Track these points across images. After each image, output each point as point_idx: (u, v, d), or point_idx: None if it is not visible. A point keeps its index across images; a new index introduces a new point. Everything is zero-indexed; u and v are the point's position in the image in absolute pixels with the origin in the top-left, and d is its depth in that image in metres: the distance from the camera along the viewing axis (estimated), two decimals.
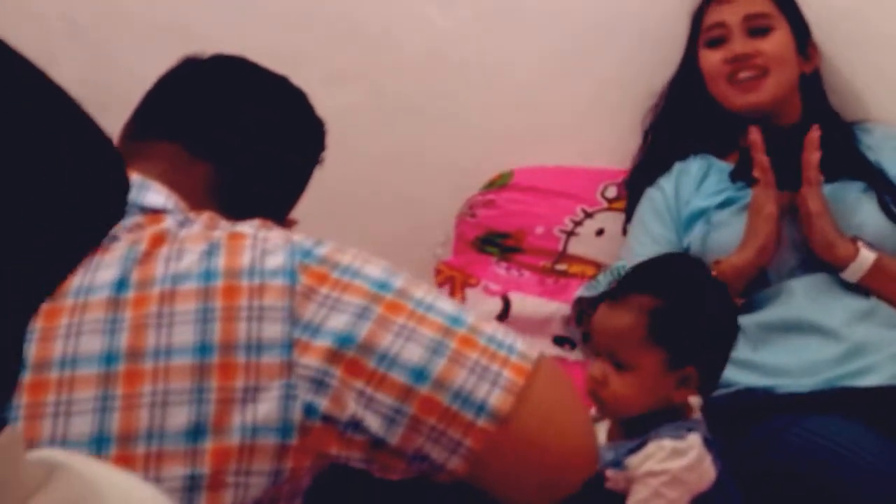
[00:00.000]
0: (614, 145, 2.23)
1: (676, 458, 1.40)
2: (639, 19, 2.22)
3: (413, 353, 0.98)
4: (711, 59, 2.04)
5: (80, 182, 0.55)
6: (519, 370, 1.00)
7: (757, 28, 2.02)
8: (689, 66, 2.10)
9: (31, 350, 0.96)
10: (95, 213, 0.57)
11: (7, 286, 0.52)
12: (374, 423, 0.97)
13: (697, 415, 1.50)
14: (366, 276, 1.01)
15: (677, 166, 2.07)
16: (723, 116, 2.05)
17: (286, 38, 2.21)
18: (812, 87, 2.07)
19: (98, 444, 0.94)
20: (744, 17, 2.02)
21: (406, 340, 0.98)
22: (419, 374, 0.97)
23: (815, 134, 1.91)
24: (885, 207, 1.95)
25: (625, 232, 2.15)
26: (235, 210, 1.13)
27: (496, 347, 1.01)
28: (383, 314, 0.99)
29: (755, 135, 1.92)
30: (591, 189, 2.23)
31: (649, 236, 2.02)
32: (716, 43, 2.04)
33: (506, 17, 2.27)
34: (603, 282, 1.95)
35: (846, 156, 2.02)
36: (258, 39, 2.11)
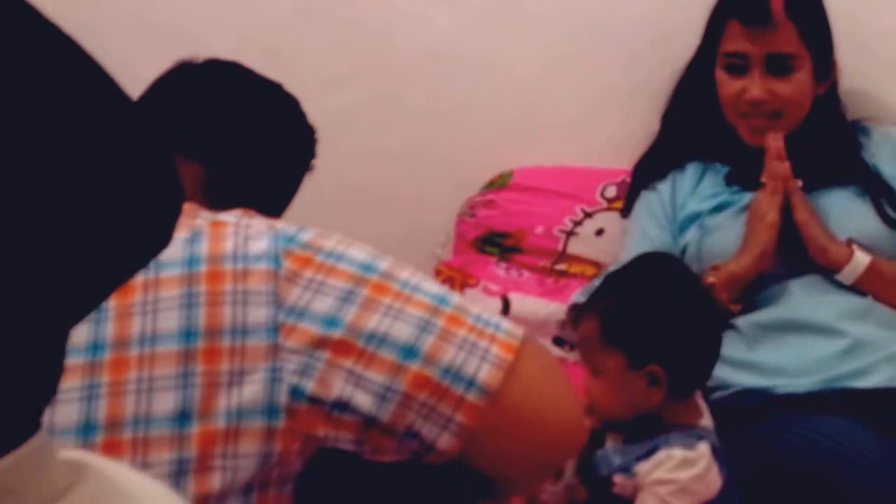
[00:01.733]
0: (614, 145, 2.23)
1: (686, 468, 1.40)
2: (639, 18, 2.22)
3: (402, 332, 0.99)
4: (728, 87, 1.97)
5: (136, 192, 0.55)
6: (507, 346, 1.02)
7: (779, 67, 1.93)
8: (698, 74, 2.05)
9: None
10: (147, 227, 0.57)
11: (64, 290, 0.53)
12: (364, 401, 0.98)
13: (707, 421, 1.50)
14: (350, 258, 1.02)
15: (673, 171, 2.06)
16: (722, 122, 2.02)
17: (286, 38, 2.21)
18: (825, 96, 2.01)
19: (85, 432, 0.94)
20: (767, 54, 1.92)
21: (394, 319, 0.99)
22: (409, 351, 0.99)
23: (775, 143, 1.89)
24: (880, 211, 1.94)
25: (626, 214, 2.13)
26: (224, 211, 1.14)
27: (483, 325, 1.02)
28: (369, 296, 1.00)
29: (774, 142, 1.89)
30: (590, 189, 2.22)
31: (645, 238, 2.01)
32: (734, 70, 1.96)
33: (505, 16, 2.27)
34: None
35: (844, 158, 2.00)
36: (258, 39, 2.12)
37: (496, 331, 1.03)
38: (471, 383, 1.00)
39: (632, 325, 1.44)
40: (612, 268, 1.96)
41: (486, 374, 1.00)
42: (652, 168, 2.09)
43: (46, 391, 0.55)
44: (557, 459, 1.14)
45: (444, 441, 1.01)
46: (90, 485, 0.57)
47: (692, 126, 2.09)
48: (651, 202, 2.05)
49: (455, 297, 1.04)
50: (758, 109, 1.94)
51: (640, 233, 2.04)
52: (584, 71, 2.26)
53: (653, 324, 1.44)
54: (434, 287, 1.04)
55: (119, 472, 0.61)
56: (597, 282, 1.97)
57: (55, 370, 0.55)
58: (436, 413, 0.99)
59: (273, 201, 1.29)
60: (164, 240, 0.58)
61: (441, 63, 2.28)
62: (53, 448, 0.56)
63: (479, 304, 1.07)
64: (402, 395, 0.98)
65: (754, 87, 1.93)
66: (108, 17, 2.22)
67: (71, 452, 0.59)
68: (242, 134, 1.25)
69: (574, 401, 1.09)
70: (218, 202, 1.16)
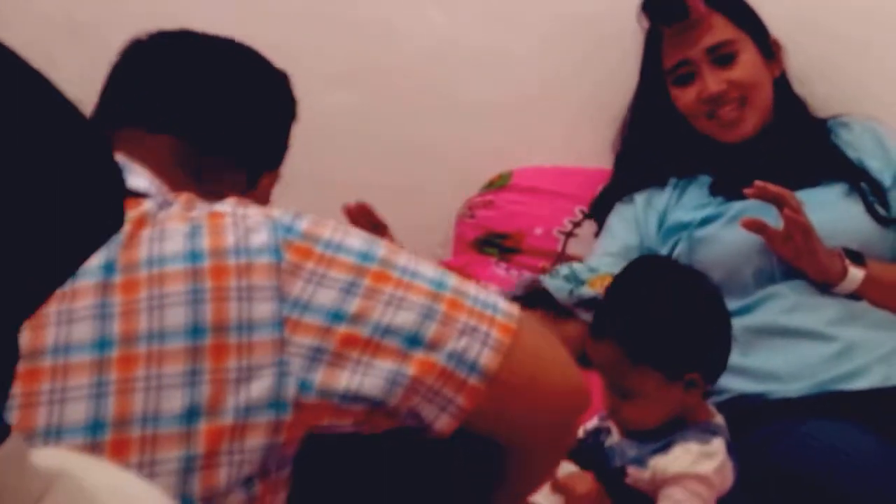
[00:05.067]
0: (614, 146, 2.23)
1: (706, 461, 1.42)
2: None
3: (406, 320, 1.01)
4: (686, 99, 1.98)
5: (76, 193, 0.55)
6: (505, 329, 1.05)
7: (722, 56, 1.95)
8: (649, 96, 2.05)
9: (23, 339, 0.97)
10: (89, 224, 0.56)
11: (6, 290, 0.52)
12: (373, 388, 0.99)
13: (719, 419, 1.51)
14: (348, 248, 1.03)
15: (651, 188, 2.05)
16: (693, 136, 2.01)
17: (286, 38, 2.20)
18: (780, 86, 2.03)
19: (94, 430, 0.94)
20: (706, 49, 1.95)
21: (397, 308, 1.01)
22: (413, 338, 1.01)
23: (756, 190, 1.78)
24: (870, 210, 1.92)
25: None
26: (210, 178, 1.15)
27: (482, 308, 1.05)
28: (370, 285, 1.02)
29: (757, 192, 1.78)
30: (590, 190, 2.22)
31: (610, 236, 2.03)
32: (685, 80, 1.98)
33: (506, 16, 2.27)
34: (560, 277, 1.92)
35: (825, 157, 1.99)
36: (259, 39, 2.11)
37: (494, 312, 1.06)
38: (473, 367, 1.03)
39: (663, 341, 1.43)
40: (583, 269, 1.95)
41: (486, 358, 1.03)
42: (621, 196, 2.07)
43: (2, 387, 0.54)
44: (566, 416, 1.16)
45: (442, 422, 1.04)
46: (58, 495, 0.56)
47: (659, 150, 2.07)
48: (623, 211, 2.05)
49: (451, 280, 1.07)
50: (721, 102, 1.95)
51: (607, 231, 2.05)
52: (584, 72, 2.27)
53: (683, 334, 1.44)
54: (430, 271, 1.06)
55: (99, 477, 0.60)
56: (561, 269, 1.95)
57: (7, 372, 0.55)
58: (439, 396, 1.02)
59: (261, 157, 1.27)
60: (105, 235, 0.58)
61: (441, 63, 2.28)
62: (26, 455, 0.55)
63: (472, 285, 1.09)
64: (411, 379, 1.01)
65: (709, 81, 1.95)
66: (112, 16, 2.22)
67: (47, 456, 0.58)
68: (205, 94, 1.23)
69: (570, 368, 1.12)
70: (199, 170, 1.16)
